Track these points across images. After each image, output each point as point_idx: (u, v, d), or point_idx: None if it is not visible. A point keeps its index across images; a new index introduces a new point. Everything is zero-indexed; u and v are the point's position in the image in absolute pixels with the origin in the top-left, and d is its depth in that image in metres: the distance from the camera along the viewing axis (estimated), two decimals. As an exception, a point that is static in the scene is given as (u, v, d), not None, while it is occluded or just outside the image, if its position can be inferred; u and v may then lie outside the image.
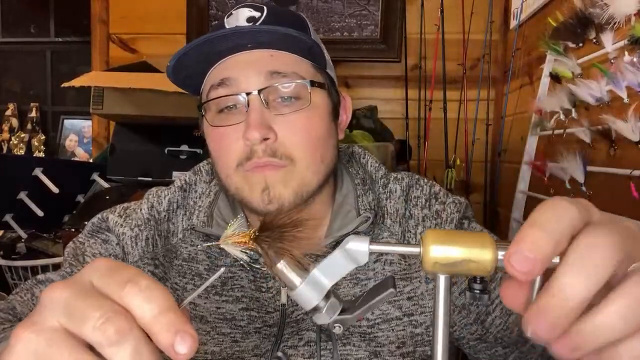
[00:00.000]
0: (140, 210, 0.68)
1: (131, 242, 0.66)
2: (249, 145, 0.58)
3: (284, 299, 0.63)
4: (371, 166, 0.72)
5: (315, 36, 0.67)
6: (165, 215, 0.69)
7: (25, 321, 0.30)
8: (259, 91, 0.59)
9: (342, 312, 0.34)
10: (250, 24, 0.61)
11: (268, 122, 0.59)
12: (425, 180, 0.72)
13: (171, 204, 0.70)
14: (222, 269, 0.34)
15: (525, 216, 1.37)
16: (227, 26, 0.62)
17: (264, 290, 0.64)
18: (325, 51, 0.68)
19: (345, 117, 0.71)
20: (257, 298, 0.64)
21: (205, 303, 0.64)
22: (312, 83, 0.61)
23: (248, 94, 0.59)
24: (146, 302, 0.29)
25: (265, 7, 0.64)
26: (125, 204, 0.72)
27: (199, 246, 0.67)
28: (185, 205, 0.71)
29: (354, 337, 0.62)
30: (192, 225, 0.68)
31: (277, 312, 0.63)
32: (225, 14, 0.64)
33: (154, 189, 0.72)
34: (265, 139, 0.58)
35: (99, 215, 0.70)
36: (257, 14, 0.63)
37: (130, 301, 0.29)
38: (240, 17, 0.63)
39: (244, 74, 0.60)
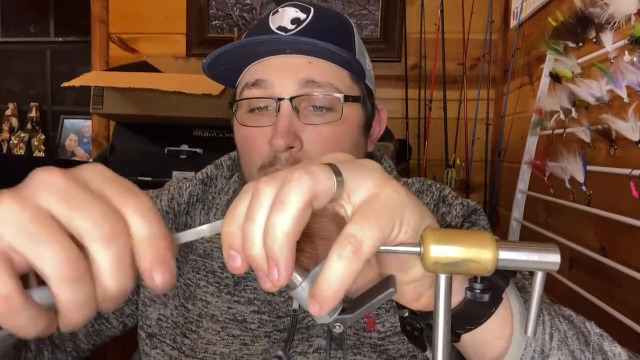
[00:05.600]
0: (160, 201, 0.67)
1: None
2: (274, 151, 0.58)
3: (295, 304, 0.62)
4: (384, 170, 0.72)
5: (359, 44, 0.67)
6: (184, 208, 0.68)
7: (12, 191, 0.28)
8: (291, 98, 0.58)
9: (343, 311, 0.34)
10: (294, 26, 0.61)
11: (295, 130, 0.58)
12: (438, 186, 0.71)
13: (192, 196, 0.69)
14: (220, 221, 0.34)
15: (525, 216, 1.38)
16: (271, 24, 0.62)
17: (276, 294, 0.63)
18: (366, 62, 0.66)
19: (379, 129, 0.71)
20: (269, 301, 0.63)
21: (217, 302, 0.64)
22: (346, 98, 0.60)
23: (280, 99, 0.58)
24: (144, 220, 0.29)
25: (312, 9, 0.63)
26: (144, 192, 0.72)
27: (215, 242, 0.67)
28: (204, 200, 0.70)
29: (365, 348, 0.61)
30: (209, 222, 0.68)
31: (288, 317, 0.62)
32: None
33: (174, 180, 0.71)
34: (290, 147, 0.57)
35: None
36: (302, 16, 0.62)
37: (129, 213, 0.29)
38: (285, 17, 0.62)
39: (279, 78, 0.59)
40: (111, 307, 0.29)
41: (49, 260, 0.26)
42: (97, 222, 0.27)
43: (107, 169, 0.31)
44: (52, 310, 0.28)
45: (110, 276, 0.28)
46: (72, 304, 0.27)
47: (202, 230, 0.35)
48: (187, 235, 0.34)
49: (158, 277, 0.29)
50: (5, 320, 0.26)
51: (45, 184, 0.28)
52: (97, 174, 0.30)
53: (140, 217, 0.29)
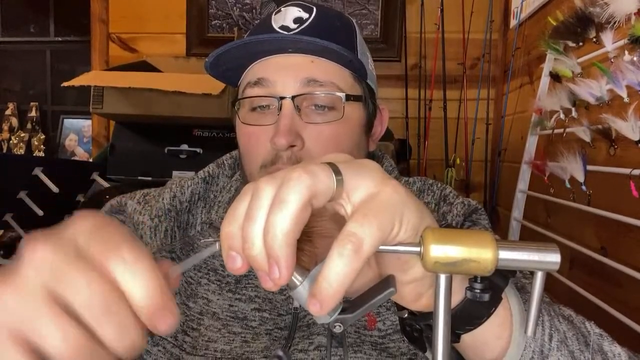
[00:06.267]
0: (162, 199, 0.67)
1: (150, 233, 0.66)
2: (276, 150, 0.58)
3: (297, 303, 0.63)
4: (385, 169, 0.72)
5: (361, 43, 0.67)
6: (186, 206, 0.68)
7: (7, 276, 0.28)
8: (293, 97, 0.59)
9: (343, 311, 0.34)
10: (297, 25, 0.61)
11: (297, 129, 0.58)
12: (439, 185, 0.71)
13: (193, 195, 0.69)
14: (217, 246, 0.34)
15: (525, 216, 1.38)
16: (273, 23, 0.62)
17: (277, 292, 0.63)
18: (368, 61, 0.67)
19: (380, 129, 0.71)
20: (270, 299, 0.63)
21: (218, 299, 0.64)
22: (348, 97, 0.60)
23: (282, 98, 0.59)
24: (135, 277, 0.29)
25: (314, 9, 0.63)
26: (146, 190, 0.72)
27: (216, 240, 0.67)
28: (206, 198, 0.70)
29: (365, 346, 0.61)
30: (211, 220, 0.68)
31: (289, 315, 0.63)
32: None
33: (177, 179, 0.71)
34: (292, 146, 0.57)
35: (117, 199, 0.69)
36: (305, 15, 0.62)
37: (119, 273, 0.29)
38: (288, 16, 0.62)
39: (281, 77, 0.60)
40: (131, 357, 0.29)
41: (52, 343, 0.27)
42: (91, 298, 0.28)
43: (93, 218, 0.31)
44: None
45: (117, 344, 0.28)
46: None
47: (200, 255, 0.35)
48: (185, 265, 0.34)
49: (161, 327, 0.29)
50: None
51: (34, 262, 0.28)
52: (83, 229, 0.30)
53: (131, 276, 0.29)
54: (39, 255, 0.28)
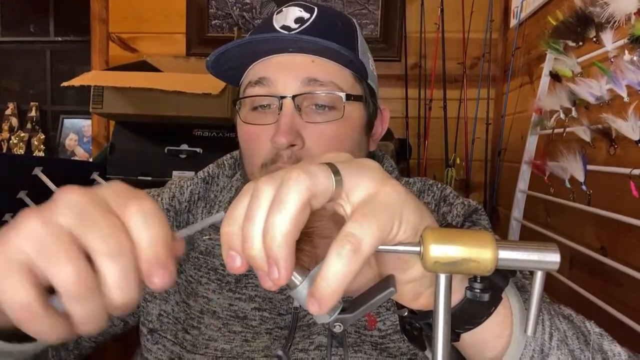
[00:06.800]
0: (161, 199, 0.68)
1: None
2: (276, 149, 0.58)
3: (297, 302, 0.63)
4: (385, 170, 0.72)
5: (362, 44, 0.67)
6: (186, 206, 0.69)
7: (35, 210, 0.31)
8: (294, 97, 0.59)
9: (342, 311, 0.34)
10: (298, 25, 0.61)
11: (297, 128, 0.59)
12: (439, 185, 0.71)
13: (192, 195, 0.70)
14: (222, 213, 0.35)
15: (525, 215, 1.38)
16: (275, 24, 0.63)
17: (277, 291, 0.64)
18: (369, 61, 0.67)
19: (381, 129, 0.71)
20: (270, 299, 0.64)
21: (218, 298, 0.65)
22: (348, 97, 0.61)
23: (282, 97, 0.59)
24: (145, 226, 0.31)
25: (315, 9, 0.63)
26: (146, 190, 0.72)
27: (216, 240, 0.67)
28: (206, 198, 0.71)
29: (365, 346, 0.61)
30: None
31: (289, 314, 0.63)
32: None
33: (176, 179, 0.72)
34: (292, 145, 0.58)
35: None
36: (306, 15, 0.62)
37: (131, 220, 0.31)
38: (289, 16, 0.63)
39: (282, 76, 0.60)
40: (120, 315, 0.32)
41: (61, 276, 0.29)
42: (105, 236, 0.30)
43: (123, 184, 0.34)
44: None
45: (117, 289, 0.30)
46: (82, 317, 0.30)
47: (205, 221, 0.37)
48: (190, 229, 0.36)
49: (155, 279, 0.31)
50: (27, 326, 0.30)
51: (64, 203, 0.31)
52: (112, 190, 0.33)
53: (141, 223, 0.31)
54: (69, 197, 0.31)
